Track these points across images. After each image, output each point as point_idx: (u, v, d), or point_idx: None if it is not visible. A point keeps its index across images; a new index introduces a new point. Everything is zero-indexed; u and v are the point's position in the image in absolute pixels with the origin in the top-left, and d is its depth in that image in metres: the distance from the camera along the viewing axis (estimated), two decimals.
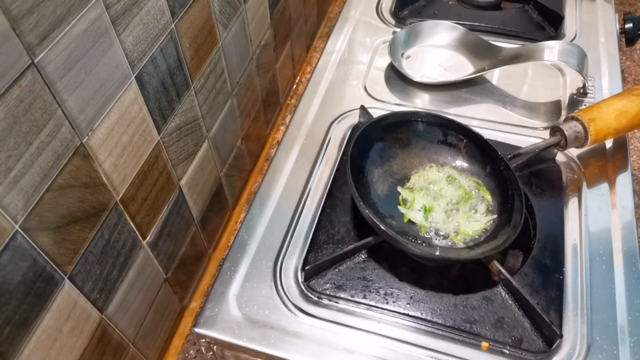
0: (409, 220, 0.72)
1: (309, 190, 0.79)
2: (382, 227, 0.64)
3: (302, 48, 1.18)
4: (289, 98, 1.16)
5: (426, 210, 0.72)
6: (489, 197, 0.74)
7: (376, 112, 0.84)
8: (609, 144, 0.84)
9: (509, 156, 0.76)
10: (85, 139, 0.52)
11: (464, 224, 0.71)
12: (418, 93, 0.95)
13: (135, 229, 0.64)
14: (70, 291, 0.54)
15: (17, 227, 0.45)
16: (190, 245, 0.80)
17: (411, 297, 0.66)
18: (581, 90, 0.92)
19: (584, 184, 0.79)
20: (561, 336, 0.61)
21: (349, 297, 0.66)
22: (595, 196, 0.77)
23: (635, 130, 1.04)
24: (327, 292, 0.67)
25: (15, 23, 0.41)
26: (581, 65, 0.87)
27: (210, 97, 0.77)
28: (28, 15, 0.42)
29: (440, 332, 0.64)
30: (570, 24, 1.07)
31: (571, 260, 0.70)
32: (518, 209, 0.68)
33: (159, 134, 0.65)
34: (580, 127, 0.78)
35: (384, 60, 1.00)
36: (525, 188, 0.76)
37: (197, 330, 0.65)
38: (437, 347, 0.63)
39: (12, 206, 0.44)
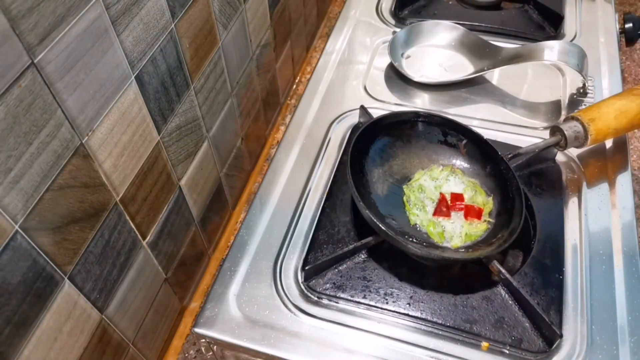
0: (414, 224, 0.72)
1: (309, 190, 0.79)
2: (382, 227, 0.64)
3: (302, 48, 1.18)
4: (289, 98, 1.16)
5: (432, 225, 0.72)
6: (487, 197, 0.74)
7: (376, 112, 0.84)
8: (608, 144, 0.84)
9: (509, 156, 0.76)
10: (85, 139, 0.52)
11: (467, 225, 0.71)
12: (418, 93, 0.95)
13: (135, 229, 0.64)
14: (70, 291, 0.54)
15: (17, 227, 0.45)
16: (190, 245, 0.80)
17: (411, 297, 0.66)
18: (581, 90, 0.92)
19: (584, 184, 0.79)
20: (561, 336, 0.61)
21: (349, 297, 0.66)
22: (595, 196, 0.77)
23: (635, 130, 1.04)
24: (327, 292, 0.67)
25: (15, 23, 0.41)
26: (581, 65, 0.87)
27: (210, 97, 0.77)
28: (28, 15, 0.42)
29: (440, 332, 0.64)
30: (570, 24, 1.07)
31: (571, 260, 0.70)
32: (518, 209, 0.68)
33: (159, 134, 0.65)
34: (580, 127, 0.78)
35: (384, 60, 1.00)
36: (525, 188, 0.76)
37: (197, 330, 0.65)
38: (437, 347, 0.63)
39: (12, 206, 0.44)
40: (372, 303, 0.66)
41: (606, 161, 0.82)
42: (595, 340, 0.63)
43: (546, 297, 0.66)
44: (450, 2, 1.14)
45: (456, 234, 0.70)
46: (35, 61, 0.43)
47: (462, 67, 0.99)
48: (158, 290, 0.73)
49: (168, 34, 0.62)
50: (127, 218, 0.62)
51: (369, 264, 0.69)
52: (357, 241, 0.70)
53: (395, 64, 0.96)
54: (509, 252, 0.72)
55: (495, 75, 0.97)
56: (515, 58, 0.92)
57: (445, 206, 0.72)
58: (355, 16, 1.11)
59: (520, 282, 0.66)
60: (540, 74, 0.97)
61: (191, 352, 0.80)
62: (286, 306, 0.66)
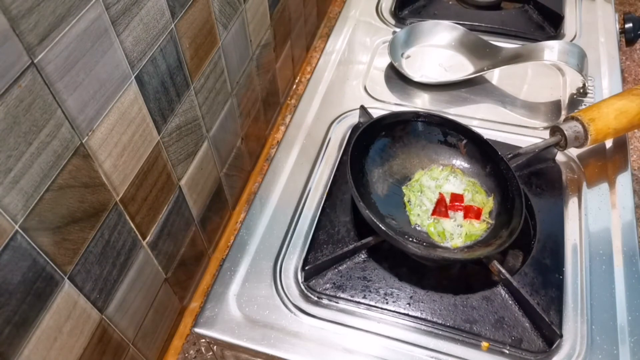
0: (414, 224, 0.72)
1: (309, 190, 0.79)
2: (382, 227, 0.64)
3: (302, 48, 1.18)
4: (289, 98, 1.16)
5: (432, 225, 0.72)
6: (487, 197, 0.74)
7: (376, 112, 0.84)
8: (608, 144, 0.84)
9: (509, 156, 0.76)
10: (85, 139, 0.52)
11: (467, 225, 0.71)
12: (418, 93, 0.95)
13: (135, 229, 0.64)
14: (70, 291, 0.54)
15: (17, 227, 0.45)
16: (190, 245, 0.80)
17: (411, 297, 0.66)
18: (581, 90, 0.92)
19: (584, 184, 0.79)
20: (561, 336, 0.61)
21: (349, 297, 0.66)
22: (595, 196, 0.77)
23: (635, 130, 1.04)
24: (327, 292, 0.67)
25: (15, 23, 0.41)
26: (581, 65, 0.87)
27: (210, 97, 0.77)
28: (28, 15, 0.42)
29: (440, 332, 0.64)
30: (570, 24, 1.07)
31: (571, 260, 0.70)
32: (518, 209, 0.68)
33: (159, 134, 0.65)
34: (580, 127, 0.78)
35: (384, 60, 1.00)
36: (525, 188, 0.76)
37: (197, 330, 0.65)
38: (437, 347, 0.63)
39: (12, 206, 0.44)
40: (372, 303, 0.66)
41: (606, 161, 0.82)
42: (595, 340, 0.63)
43: (546, 297, 0.66)
44: (450, 2, 1.14)
45: (456, 234, 0.70)
46: (35, 61, 0.43)
47: (462, 67, 0.99)
48: (158, 290, 0.73)
49: (168, 34, 0.62)
50: (127, 218, 0.62)
51: (369, 264, 0.69)
52: (357, 241, 0.70)
53: (395, 64, 0.96)
54: (509, 252, 0.72)
55: (495, 75, 0.97)
56: (515, 58, 0.92)
57: (443, 206, 0.72)
58: (355, 16, 1.11)
59: (520, 282, 0.66)
60: (540, 74, 0.97)
61: (191, 352, 0.80)
62: (286, 306, 0.66)
